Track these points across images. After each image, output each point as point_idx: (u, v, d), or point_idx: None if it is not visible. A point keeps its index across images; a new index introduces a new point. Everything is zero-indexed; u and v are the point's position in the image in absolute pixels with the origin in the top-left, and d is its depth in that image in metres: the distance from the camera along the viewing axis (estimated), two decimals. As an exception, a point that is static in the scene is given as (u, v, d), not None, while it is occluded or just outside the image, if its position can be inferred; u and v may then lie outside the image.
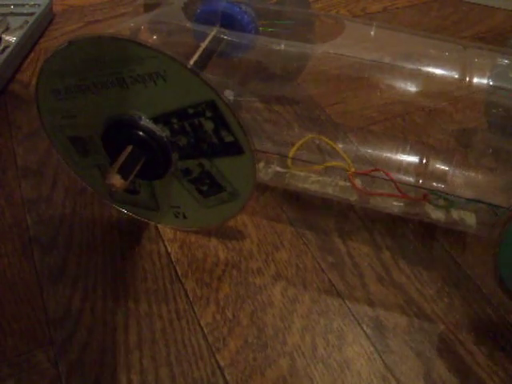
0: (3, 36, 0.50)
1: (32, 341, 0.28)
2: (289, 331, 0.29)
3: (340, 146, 0.37)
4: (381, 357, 0.28)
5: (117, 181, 0.26)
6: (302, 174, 0.36)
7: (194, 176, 0.29)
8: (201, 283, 0.31)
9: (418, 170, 0.35)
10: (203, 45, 0.35)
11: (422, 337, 0.29)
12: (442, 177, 0.34)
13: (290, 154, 0.35)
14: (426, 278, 0.32)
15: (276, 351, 0.28)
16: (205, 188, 0.29)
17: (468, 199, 0.32)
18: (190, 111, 0.26)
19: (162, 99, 0.26)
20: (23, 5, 0.55)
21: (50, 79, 0.27)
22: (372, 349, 0.28)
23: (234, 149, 0.27)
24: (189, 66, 0.24)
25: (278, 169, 0.36)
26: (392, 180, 0.33)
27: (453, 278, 0.32)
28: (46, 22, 0.55)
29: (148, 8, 0.41)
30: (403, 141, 0.39)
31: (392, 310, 0.30)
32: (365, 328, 0.29)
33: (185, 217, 0.32)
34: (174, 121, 0.26)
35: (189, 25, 0.38)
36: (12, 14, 0.54)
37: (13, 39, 0.49)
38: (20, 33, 0.49)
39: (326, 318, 0.30)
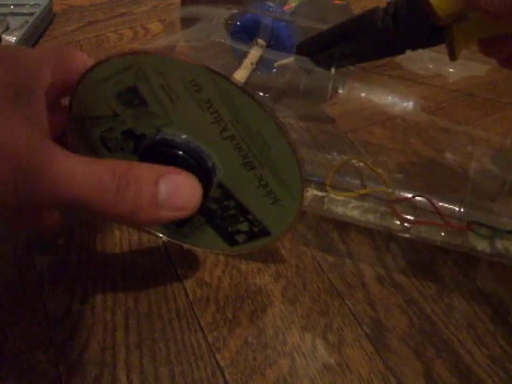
0: (3, 36, 0.50)
1: (32, 341, 0.28)
2: (289, 331, 0.29)
3: (380, 170, 0.35)
4: (381, 357, 0.28)
5: None
6: (342, 198, 0.34)
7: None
8: (201, 283, 0.31)
9: (460, 197, 0.34)
10: (249, 63, 0.34)
11: (422, 337, 0.29)
12: (485, 205, 0.33)
13: (329, 177, 0.34)
14: (426, 278, 0.32)
15: (276, 351, 0.28)
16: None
17: (510, 230, 0.31)
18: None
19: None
20: (23, 5, 0.55)
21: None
22: (372, 349, 0.28)
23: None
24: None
25: (316, 192, 0.35)
26: (435, 207, 0.32)
27: (453, 277, 0.32)
28: (45, 22, 0.55)
29: (185, 23, 0.41)
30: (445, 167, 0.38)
31: (392, 310, 0.30)
32: (365, 328, 0.29)
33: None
34: None
35: (230, 42, 0.37)
36: (12, 14, 0.54)
37: (13, 39, 0.49)
38: (20, 33, 0.49)
39: (326, 318, 0.30)
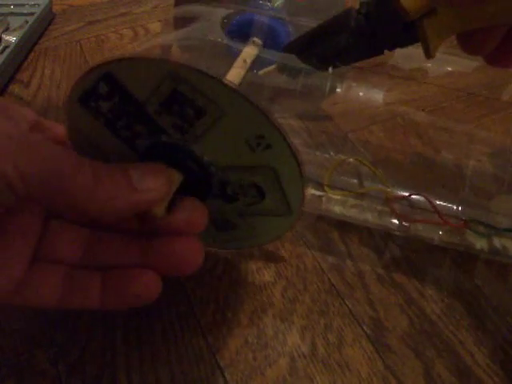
0: (3, 36, 0.50)
1: (32, 341, 0.28)
2: (289, 331, 0.29)
3: (377, 169, 0.35)
4: (381, 357, 0.28)
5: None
6: (339, 197, 0.34)
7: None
8: (201, 283, 0.31)
9: (458, 195, 0.34)
10: (242, 61, 0.34)
11: (422, 337, 0.29)
12: (482, 203, 0.33)
13: (327, 177, 0.34)
14: (426, 278, 0.32)
15: (276, 351, 0.28)
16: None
17: (507, 229, 0.31)
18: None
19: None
20: (23, 5, 0.55)
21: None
22: (372, 349, 0.28)
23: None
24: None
25: (314, 192, 0.35)
26: (433, 205, 0.32)
27: (452, 277, 0.32)
28: (46, 21, 0.55)
29: (179, 21, 0.40)
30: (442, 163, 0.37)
31: (392, 310, 0.30)
32: (365, 328, 0.29)
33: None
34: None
35: (228, 41, 0.37)
36: (12, 14, 0.54)
37: (13, 39, 0.49)
38: (20, 33, 0.49)
39: (326, 318, 0.30)
